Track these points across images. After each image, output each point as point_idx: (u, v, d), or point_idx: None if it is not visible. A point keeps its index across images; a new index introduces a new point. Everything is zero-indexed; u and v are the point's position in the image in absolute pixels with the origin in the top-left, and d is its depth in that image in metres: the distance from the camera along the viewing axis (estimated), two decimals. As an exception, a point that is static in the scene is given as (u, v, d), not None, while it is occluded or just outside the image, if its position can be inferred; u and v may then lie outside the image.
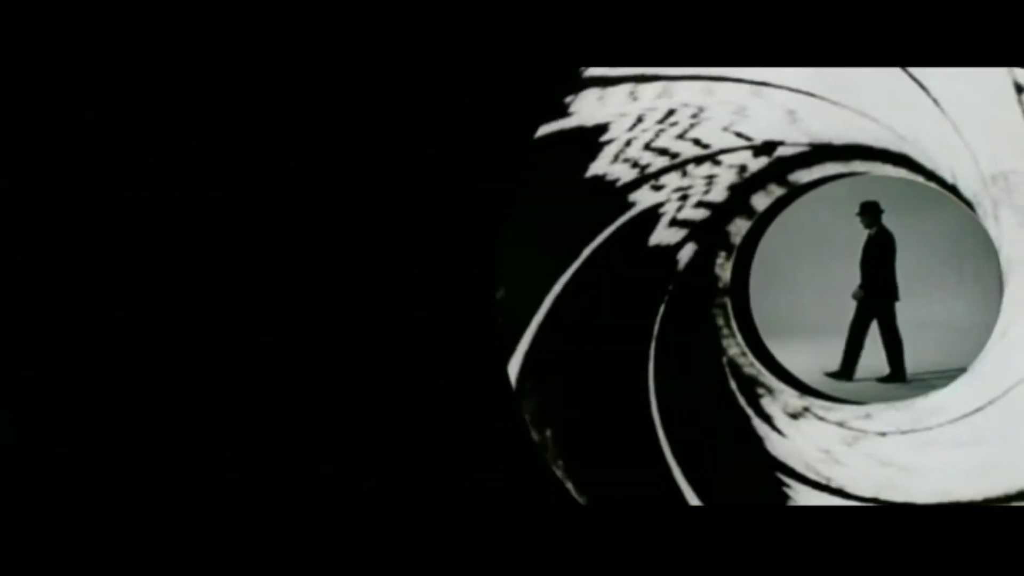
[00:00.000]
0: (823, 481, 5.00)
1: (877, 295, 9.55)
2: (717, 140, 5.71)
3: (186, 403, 2.91)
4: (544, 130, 3.99)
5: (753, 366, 7.37)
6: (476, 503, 3.19)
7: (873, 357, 9.59)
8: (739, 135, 5.79)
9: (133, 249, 2.85)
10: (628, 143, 4.86)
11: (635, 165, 5.15)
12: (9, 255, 2.77)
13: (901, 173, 6.53)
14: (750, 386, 6.96)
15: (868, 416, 6.39)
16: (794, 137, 6.09)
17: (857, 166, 6.75)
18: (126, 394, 2.87)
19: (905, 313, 9.72)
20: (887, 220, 9.62)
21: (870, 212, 9.59)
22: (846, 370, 9.57)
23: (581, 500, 3.96)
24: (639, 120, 4.74)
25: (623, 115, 4.56)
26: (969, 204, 5.83)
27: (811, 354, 9.70)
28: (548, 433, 4.08)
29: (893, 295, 9.57)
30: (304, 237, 2.94)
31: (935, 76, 4.36)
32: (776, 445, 5.75)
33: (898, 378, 9.37)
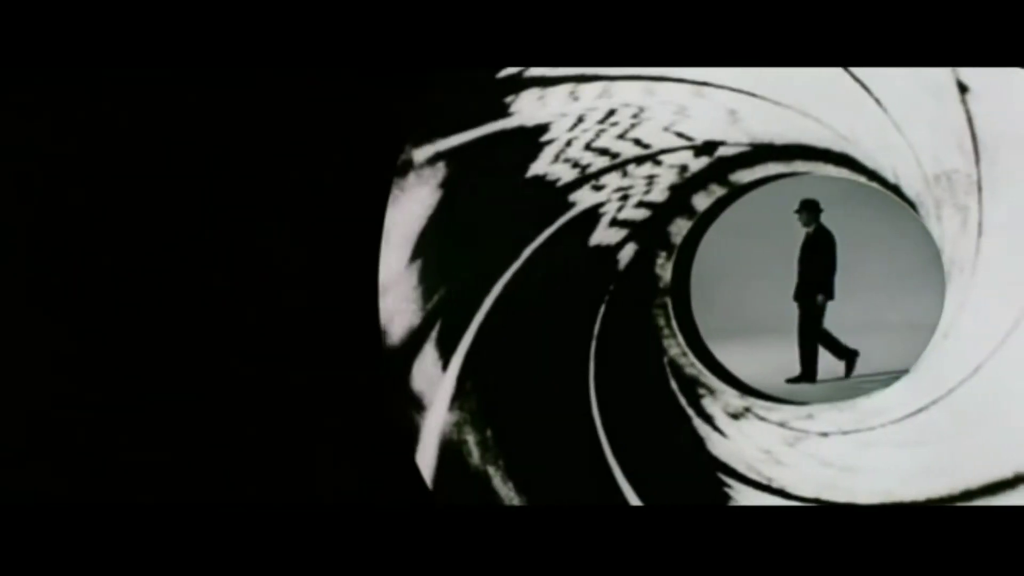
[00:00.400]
0: (764, 481, 5.04)
1: (812, 293, 9.57)
2: (658, 140, 5.74)
3: (51, 398, 2.92)
4: (485, 130, 4.03)
5: (694, 366, 7.39)
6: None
7: (825, 358, 9.65)
8: (680, 135, 5.82)
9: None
10: (569, 143, 4.89)
11: (576, 165, 5.18)
12: None
13: (843, 173, 6.58)
14: (691, 386, 7.00)
15: (810, 416, 6.44)
16: (735, 137, 6.14)
17: (799, 166, 6.82)
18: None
19: (848, 314, 9.86)
20: (830, 219, 9.68)
21: (808, 210, 9.60)
22: (807, 373, 9.56)
23: (521, 500, 4.04)
24: (580, 120, 4.77)
25: (564, 115, 4.59)
26: (912, 204, 5.88)
27: (752, 354, 9.78)
28: (488, 433, 4.12)
29: (827, 294, 9.56)
30: (179, 240, 2.94)
31: (877, 76, 4.42)
32: (717, 445, 5.79)
33: (808, 378, 9.44)
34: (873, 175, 6.23)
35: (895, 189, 6.05)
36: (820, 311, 9.57)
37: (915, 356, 6.19)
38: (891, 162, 5.58)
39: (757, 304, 12.74)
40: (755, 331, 11.59)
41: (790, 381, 9.37)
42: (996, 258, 4.49)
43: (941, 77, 3.96)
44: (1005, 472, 3.77)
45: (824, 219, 9.65)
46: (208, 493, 2.97)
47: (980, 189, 4.42)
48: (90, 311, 2.92)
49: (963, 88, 3.96)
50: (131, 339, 2.94)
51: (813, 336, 9.64)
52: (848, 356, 9.58)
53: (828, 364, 9.58)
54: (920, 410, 5.10)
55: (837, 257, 9.62)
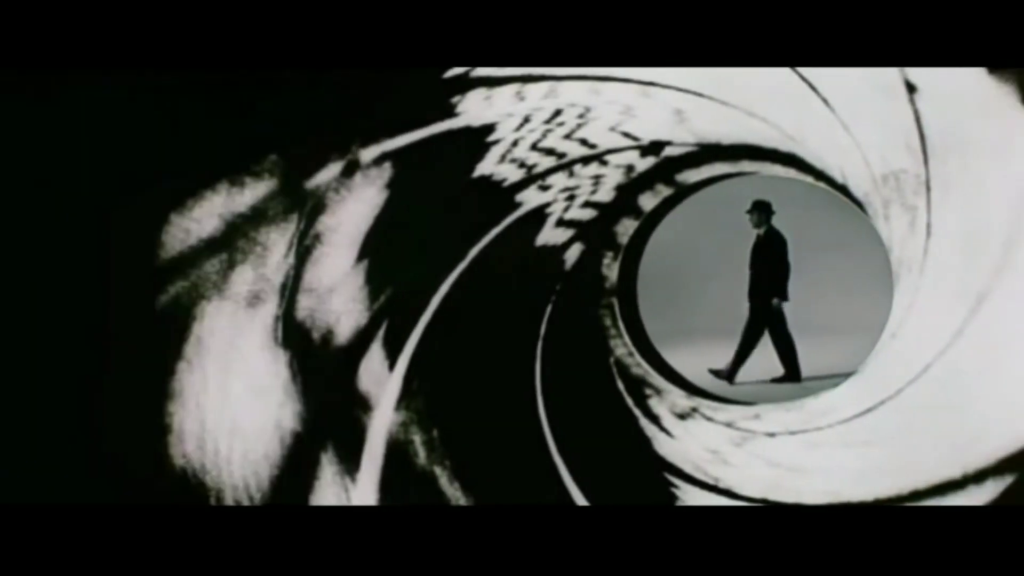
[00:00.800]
0: (711, 481, 5.10)
1: (765, 296, 9.61)
2: (604, 140, 5.78)
3: None
4: (431, 130, 4.06)
5: (640, 366, 7.48)
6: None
7: (766, 359, 9.74)
8: (626, 135, 5.86)
9: None
10: (515, 143, 4.91)
11: (522, 165, 5.20)
12: None
13: (790, 173, 6.69)
14: (637, 386, 7.06)
15: (757, 417, 6.52)
16: (682, 137, 6.20)
17: (745, 166, 6.96)
18: None
19: (799, 315, 9.89)
20: (778, 220, 9.76)
21: (759, 211, 9.65)
22: (731, 371, 9.63)
23: (467, 500, 4.09)
24: (526, 120, 4.79)
25: (510, 115, 4.61)
26: (860, 204, 5.97)
27: (699, 355, 9.84)
28: (435, 433, 4.16)
29: (782, 296, 9.61)
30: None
31: (825, 75, 4.45)
32: (664, 445, 5.86)
33: (793, 378, 9.47)
34: (820, 175, 6.32)
35: (843, 189, 6.14)
36: (779, 314, 9.61)
37: (863, 357, 6.33)
38: (839, 162, 5.65)
39: (705, 305, 12.88)
40: (703, 332, 11.64)
41: (775, 381, 9.47)
42: (944, 259, 4.51)
43: (889, 77, 3.96)
44: (954, 472, 3.77)
45: (773, 219, 9.71)
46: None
47: (929, 189, 4.45)
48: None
49: (911, 88, 3.97)
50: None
51: (755, 340, 9.71)
52: (794, 372, 9.60)
53: (774, 365, 9.68)
54: (868, 410, 5.15)
55: (788, 258, 9.68)
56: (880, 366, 5.69)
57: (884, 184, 5.08)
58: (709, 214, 11.35)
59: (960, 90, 3.55)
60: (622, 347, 7.56)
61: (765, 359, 9.71)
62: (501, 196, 5.25)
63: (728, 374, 9.59)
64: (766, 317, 9.63)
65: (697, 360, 9.41)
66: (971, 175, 3.93)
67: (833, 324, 11.52)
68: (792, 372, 9.54)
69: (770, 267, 9.60)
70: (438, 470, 4.12)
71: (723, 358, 9.85)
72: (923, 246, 4.72)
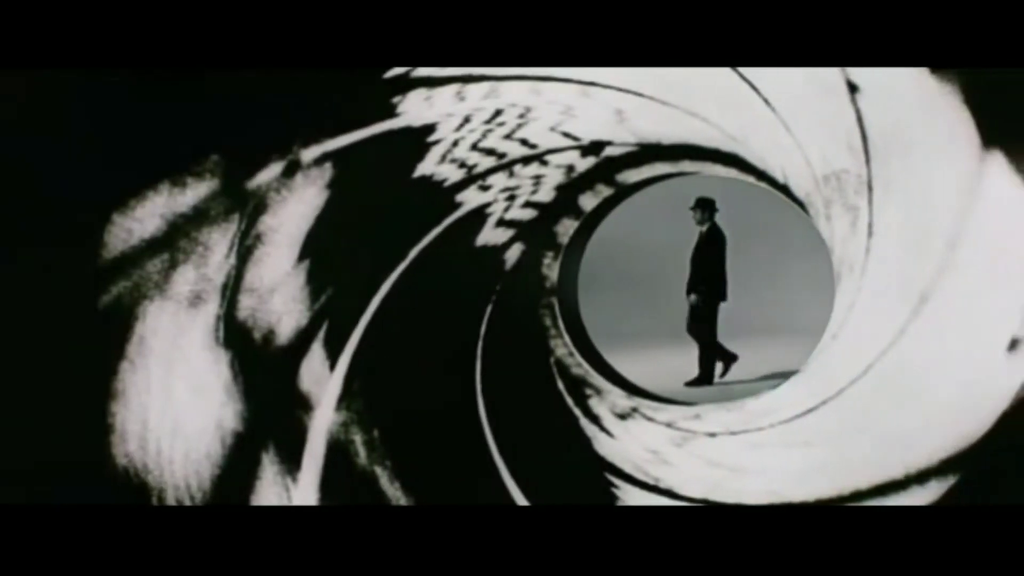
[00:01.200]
0: (651, 482, 5.11)
1: (705, 293, 9.63)
2: (544, 140, 5.81)
3: None
4: (372, 130, 4.09)
5: (580, 366, 7.48)
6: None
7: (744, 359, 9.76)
8: (567, 135, 5.90)
9: None
10: (455, 143, 4.93)
11: (462, 165, 5.22)
12: None
13: (731, 173, 6.72)
14: (578, 386, 7.08)
15: (698, 417, 6.53)
16: (622, 137, 6.25)
17: (686, 166, 6.99)
18: None
19: (740, 316, 10.03)
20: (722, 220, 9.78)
21: (702, 208, 9.66)
22: (705, 374, 9.65)
23: (408, 500, 4.13)
24: (466, 120, 4.82)
25: (450, 115, 4.64)
26: (801, 204, 5.99)
27: (639, 355, 9.83)
28: (375, 433, 4.19)
29: (720, 295, 9.67)
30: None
31: (766, 75, 4.47)
32: (604, 445, 5.87)
33: (706, 381, 9.55)
34: (762, 175, 6.34)
35: (784, 189, 6.15)
36: (710, 311, 9.67)
37: (805, 358, 6.31)
38: (780, 162, 5.67)
39: (646, 305, 12.85)
40: (643, 332, 11.68)
41: (689, 384, 9.47)
42: (886, 259, 4.52)
43: (831, 77, 3.99)
44: (895, 473, 3.79)
45: (717, 219, 9.72)
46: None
47: (870, 189, 4.46)
48: None
49: (853, 88, 3.99)
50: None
51: (711, 336, 9.73)
52: (708, 375, 9.68)
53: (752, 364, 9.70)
54: (809, 411, 5.13)
55: (727, 257, 9.72)
56: (822, 366, 5.66)
57: (826, 184, 5.09)
58: (651, 214, 11.34)
59: (902, 90, 3.59)
60: (562, 347, 7.56)
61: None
62: (441, 196, 5.27)
63: (704, 377, 9.63)
64: (710, 313, 9.67)
65: (637, 360, 9.35)
66: (913, 175, 3.98)
67: (774, 325, 11.56)
68: (707, 374, 9.64)
69: (709, 265, 9.63)
70: (379, 470, 4.15)
71: (664, 358, 9.93)
72: (865, 246, 4.73)
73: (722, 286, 9.71)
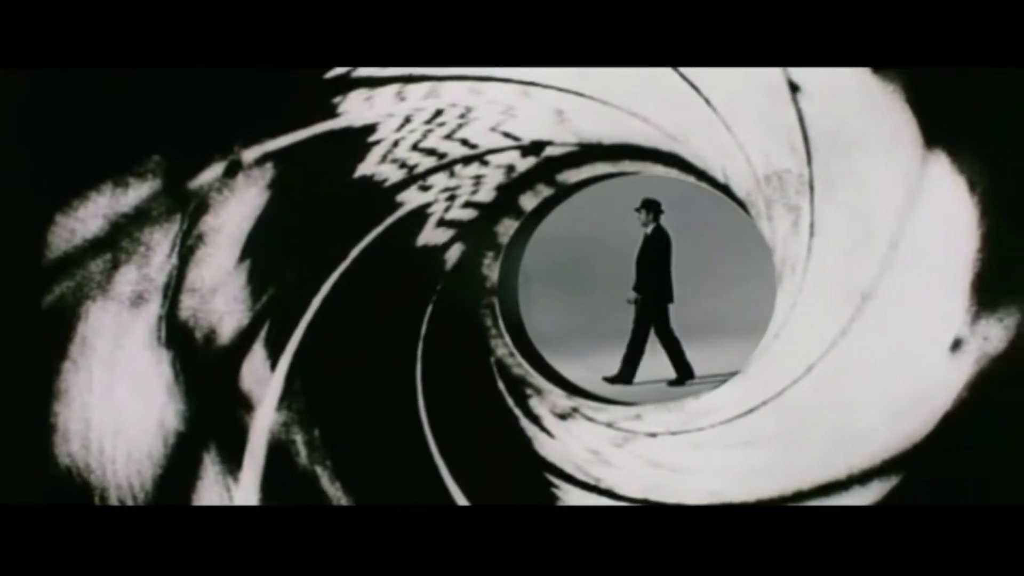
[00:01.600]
0: (592, 482, 5.11)
1: (651, 295, 9.64)
2: (485, 140, 5.84)
3: None
4: (313, 130, 4.10)
5: (521, 366, 7.49)
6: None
7: (651, 359, 9.74)
8: (507, 135, 5.92)
9: None
10: (396, 143, 4.94)
11: (403, 166, 5.23)
12: None
13: (672, 173, 6.73)
14: (518, 386, 7.09)
15: (638, 417, 6.53)
16: (562, 137, 6.26)
17: (627, 166, 6.98)
18: None
19: (682, 317, 9.95)
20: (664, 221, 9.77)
21: (647, 209, 9.68)
22: (625, 373, 9.65)
23: (349, 500, 4.15)
24: (407, 120, 4.83)
25: (391, 115, 4.65)
26: (742, 204, 6.03)
27: (580, 355, 9.96)
28: (316, 433, 4.20)
29: (667, 296, 9.70)
30: None
31: (707, 75, 4.51)
32: (544, 445, 5.87)
33: (688, 376, 9.55)
34: (702, 175, 6.37)
35: (725, 189, 6.19)
36: (665, 315, 9.69)
37: (747, 358, 6.33)
38: (721, 162, 5.71)
39: (587, 305, 12.90)
40: (583, 332, 11.72)
41: (672, 384, 9.53)
42: (828, 258, 4.59)
43: (772, 77, 4.04)
44: (838, 473, 3.85)
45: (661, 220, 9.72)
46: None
47: (812, 189, 4.52)
48: None
49: (794, 88, 4.05)
50: None
51: (642, 338, 9.72)
52: (686, 371, 9.67)
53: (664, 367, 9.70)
54: (750, 411, 5.19)
55: (672, 258, 9.74)
56: (763, 366, 5.72)
57: (767, 184, 5.14)
58: (591, 214, 11.40)
59: (844, 90, 3.65)
60: (503, 347, 7.58)
61: (652, 360, 9.73)
62: (382, 196, 5.28)
63: (623, 376, 9.65)
64: (653, 317, 9.68)
65: (578, 360, 9.46)
66: (855, 175, 4.03)
67: (716, 325, 11.57)
68: (685, 370, 9.64)
69: (654, 266, 9.65)
70: (319, 470, 4.16)
71: (604, 358, 9.92)
72: (806, 246, 4.79)
73: (668, 287, 9.73)
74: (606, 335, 10.73)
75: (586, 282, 13.17)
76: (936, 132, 3.37)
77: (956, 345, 3.36)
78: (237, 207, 3.77)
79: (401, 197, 5.51)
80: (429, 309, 6.34)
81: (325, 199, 4.65)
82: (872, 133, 3.69)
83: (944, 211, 3.39)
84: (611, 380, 9.62)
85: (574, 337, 11.20)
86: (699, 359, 9.78)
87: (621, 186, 8.57)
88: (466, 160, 5.99)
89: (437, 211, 6.17)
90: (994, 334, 3.26)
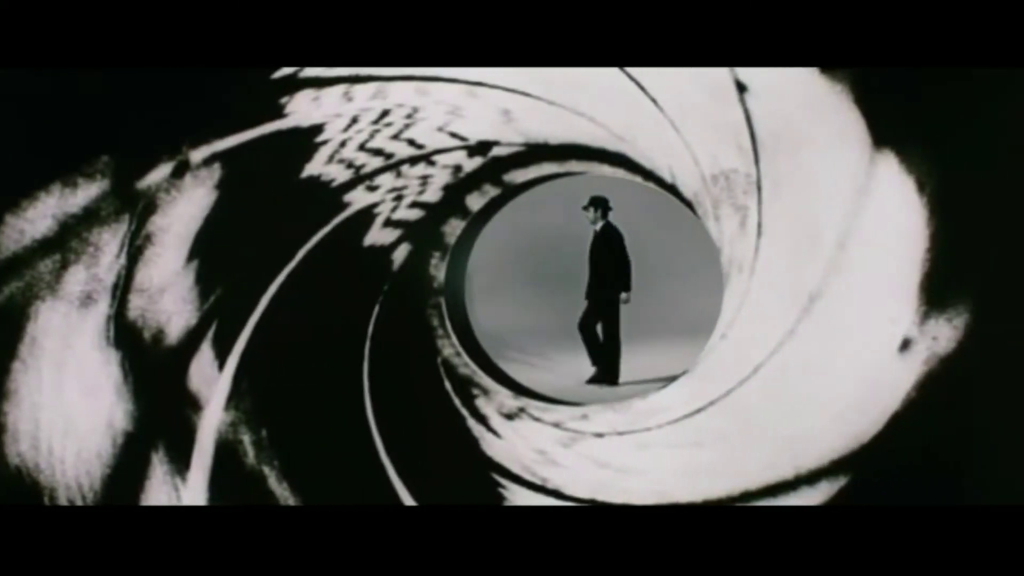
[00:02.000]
0: (539, 482, 5.15)
1: (609, 290, 9.64)
2: (432, 140, 5.86)
3: None
4: (260, 131, 4.12)
5: (468, 367, 7.53)
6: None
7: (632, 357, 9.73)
8: (454, 135, 5.94)
9: None
10: (343, 144, 4.96)
11: (350, 166, 5.24)
12: None
13: (619, 173, 6.78)
14: (465, 387, 7.13)
15: (585, 417, 6.56)
16: (509, 137, 6.31)
17: (574, 166, 7.05)
18: None
19: (629, 317, 9.96)
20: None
21: (596, 207, 9.69)
22: (608, 373, 9.62)
23: (296, 500, 4.18)
24: (354, 121, 4.85)
25: (338, 116, 4.67)
26: (689, 204, 6.06)
27: (527, 354, 10.08)
28: (264, 433, 4.24)
29: (625, 286, 9.67)
30: None
31: (654, 75, 4.52)
32: (491, 446, 5.92)
33: (611, 380, 9.55)
34: (649, 175, 6.41)
35: (672, 189, 6.22)
36: (615, 311, 9.68)
37: (694, 358, 6.32)
38: (668, 162, 5.74)
39: (534, 305, 12.91)
40: (531, 331, 11.74)
41: (590, 381, 9.53)
42: (775, 258, 4.61)
43: (719, 76, 4.06)
44: (785, 473, 3.89)
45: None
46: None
47: (759, 189, 4.53)
48: None
49: (741, 87, 4.07)
50: None
51: (615, 335, 9.74)
52: (612, 373, 9.67)
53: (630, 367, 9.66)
54: (697, 411, 5.19)
55: (627, 249, 9.72)
56: (710, 367, 5.70)
57: (714, 184, 5.17)
58: (538, 214, 11.45)
59: (791, 89, 3.68)
60: (449, 347, 7.61)
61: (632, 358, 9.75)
62: (329, 196, 5.28)
63: (607, 376, 9.62)
64: (613, 310, 9.71)
65: (524, 359, 9.60)
66: (803, 175, 4.07)
67: (663, 325, 11.63)
68: (610, 372, 9.64)
69: (611, 261, 9.67)
70: (267, 470, 4.20)
71: (551, 357, 10.07)
72: (754, 246, 4.82)
73: (627, 278, 9.71)
74: (553, 333, 10.74)
75: (535, 281, 13.18)
76: (884, 132, 3.42)
77: (905, 345, 3.41)
78: (185, 207, 3.78)
79: (348, 197, 5.51)
80: (376, 309, 6.34)
81: (273, 199, 4.65)
82: (820, 133, 3.73)
83: (892, 211, 3.43)
84: (594, 381, 9.60)
85: (521, 336, 11.22)
86: (646, 360, 9.82)
87: (568, 186, 8.61)
88: (413, 160, 6.00)
89: (384, 211, 6.17)
90: (943, 334, 3.33)
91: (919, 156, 3.33)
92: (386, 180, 5.88)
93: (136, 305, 3.61)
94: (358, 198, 5.65)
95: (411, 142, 5.72)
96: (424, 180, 6.44)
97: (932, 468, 3.40)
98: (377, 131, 5.21)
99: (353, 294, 6.14)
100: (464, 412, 6.58)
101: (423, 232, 7.08)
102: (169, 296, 3.81)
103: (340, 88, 4.46)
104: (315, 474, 4.40)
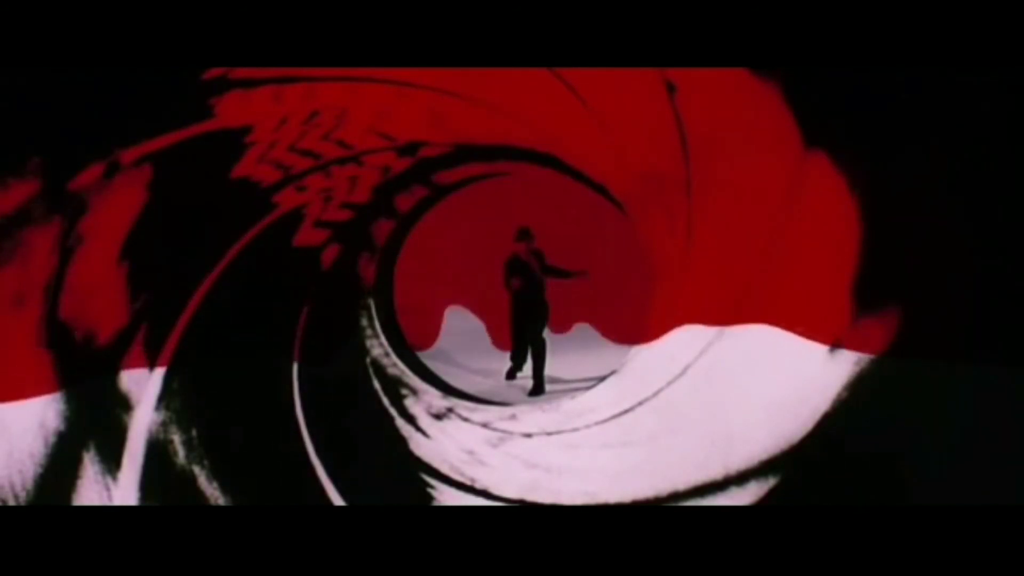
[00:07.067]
0: (468, 482, 5.18)
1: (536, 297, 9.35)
2: (361, 141, 5.87)
3: None
4: (190, 132, 4.13)
5: (396, 367, 7.55)
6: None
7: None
8: (383, 136, 5.97)
9: None
10: (273, 145, 4.97)
11: (280, 166, 5.25)
12: None
13: (548, 173, 6.81)
14: (393, 386, 7.13)
15: (513, 417, 6.54)
16: (438, 138, 6.31)
17: (503, 167, 7.14)
18: None
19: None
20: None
21: (522, 238, 9.23)
22: (536, 381, 9.16)
23: (226, 500, 4.21)
24: (283, 122, 4.86)
25: (267, 116, 4.69)
26: (619, 205, 6.12)
27: (456, 354, 9.79)
28: (194, 433, 4.26)
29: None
30: None
31: (583, 76, 4.50)
32: (420, 446, 5.89)
33: (540, 390, 9.09)
34: (579, 175, 6.46)
35: (602, 190, 6.29)
36: (544, 314, 9.39)
37: (622, 358, 6.33)
38: (597, 162, 5.79)
39: (463, 304, 12.90)
40: (459, 331, 11.69)
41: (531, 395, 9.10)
42: (704, 259, 4.63)
43: (649, 77, 4.04)
44: (715, 473, 3.91)
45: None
46: None
47: (689, 190, 4.56)
48: None
49: (671, 88, 4.08)
50: None
51: (542, 341, 9.37)
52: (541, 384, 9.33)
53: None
54: (626, 411, 5.18)
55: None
56: (639, 367, 5.66)
57: (644, 185, 5.21)
58: (467, 214, 11.38)
59: (722, 90, 3.68)
60: (378, 347, 7.63)
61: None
62: (259, 197, 5.28)
63: (535, 387, 9.16)
64: (533, 317, 9.40)
65: (455, 359, 9.45)
66: (733, 175, 4.07)
67: (592, 326, 11.17)
68: (541, 382, 9.24)
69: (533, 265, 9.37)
70: (197, 469, 4.21)
71: (481, 358, 9.87)
72: (683, 246, 4.85)
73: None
74: (484, 333, 10.80)
75: (463, 281, 13.06)
76: (816, 132, 3.44)
77: (835, 346, 3.44)
78: (116, 208, 3.80)
79: (278, 198, 5.51)
80: (306, 309, 6.34)
81: (203, 200, 4.63)
82: (751, 133, 3.75)
83: (824, 211, 3.46)
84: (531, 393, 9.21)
85: (450, 336, 10.81)
86: (575, 359, 9.52)
87: (499, 185, 8.49)
88: (342, 161, 6.00)
89: (314, 212, 6.18)
90: (873, 335, 3.34)
91: (850, 156, 3.35)
92: (315, 181, 5.88)
93: (68, 305, 3.62)
94: (288, 199, 5.65)
95: (340, 143, 5.72)
96: (353, 181, 6.44)
97: (861, 468, 3.40)
98: (306, 132, 5.21)
99: (283, 294, 6.11)
100: (393, 412, 6.56)
101: (353, 233, 7.04)
102: (101, 296, 3.82)
103: (270, 89, 4.47)
104: (245, 474, 4.42)
